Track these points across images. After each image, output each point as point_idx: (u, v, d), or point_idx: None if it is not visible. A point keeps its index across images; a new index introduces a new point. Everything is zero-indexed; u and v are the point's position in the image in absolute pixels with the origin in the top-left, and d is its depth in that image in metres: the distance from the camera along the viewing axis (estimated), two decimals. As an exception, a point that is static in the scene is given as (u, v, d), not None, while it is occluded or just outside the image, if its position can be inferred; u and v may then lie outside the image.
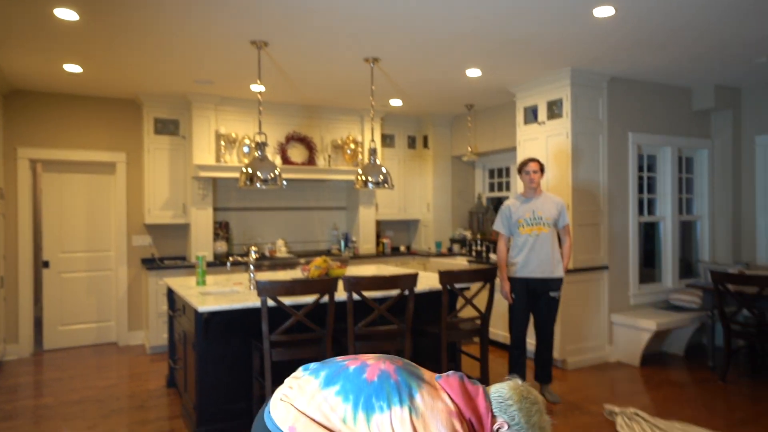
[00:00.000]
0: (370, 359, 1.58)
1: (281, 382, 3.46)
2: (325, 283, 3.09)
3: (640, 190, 5.18)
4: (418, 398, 1.46)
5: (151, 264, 5.39)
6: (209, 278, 4.28)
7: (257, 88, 4.63)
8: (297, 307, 3.16)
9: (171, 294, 4.25)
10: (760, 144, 5.29)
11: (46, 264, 5.41)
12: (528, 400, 1.56)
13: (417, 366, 1.63)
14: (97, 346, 5.56)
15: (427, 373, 1.60)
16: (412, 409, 1.43)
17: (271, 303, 3.23)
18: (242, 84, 5.09)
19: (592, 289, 4.83)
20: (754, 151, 5.34)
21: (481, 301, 3.68)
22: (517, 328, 3.88)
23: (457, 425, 1.42)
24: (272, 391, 3.01)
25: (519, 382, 1.61)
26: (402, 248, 6.98)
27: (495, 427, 1.52)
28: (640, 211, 5.18)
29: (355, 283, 3.12)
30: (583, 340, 4.77)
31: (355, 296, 3.31)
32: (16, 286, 5.22)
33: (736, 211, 5.48)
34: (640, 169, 5.17)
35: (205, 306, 3.11)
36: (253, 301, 3.21)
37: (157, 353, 5.26)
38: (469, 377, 1.61)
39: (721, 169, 5.49)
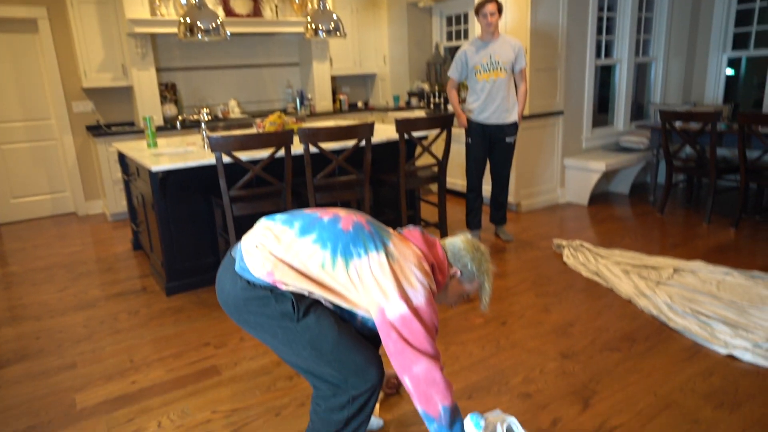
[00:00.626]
0: (341, 212, 1.63)
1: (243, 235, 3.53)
2: (280, 136, 3.03)
3: (599, 31, 5.07)
4: (390, 245, 1.55)
5: (98, 131, 5.14)
6: (161, 141, 4.13)
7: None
8: (254, 163, 3.13)
9: (123, 159, 4.12)
10: (721, -23, 5.13)
11: (-18, 136, 5.09)
12: (478, 251, 1.73)
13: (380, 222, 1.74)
14: (55, 217, 5.49)
15: (390, 228, 1.71)
16: (388, 254, 1.52)
17: (227, 159, 3.19)
18: None
19: (547, 134, 4.92)
20: (714, -15, 5.20)
21: (438, 150, 3.71)
22: (473, 172, 3.98)
23: (426, 267, 1.58)
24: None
25: (469, 236, 1.77)
26: (360, 104, 6.82)
27: (450, 273, 1.69)
28: (598, 54, 5.12)
29: (311, 135, 3.07)
30: (536, 184, 4.98)
31: (312, 149, 3.29)
32: (-45, 160, 4.95)
33: (690, 51, 5.49)
34: (600, 8, 5.00)
35: (159, 166, 3.04)
36: (209, 158, 3.15)
37: (118, 220, 5.25)
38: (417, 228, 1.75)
39: (680, 8, 5.38)
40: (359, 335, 1.62)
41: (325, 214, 1.63)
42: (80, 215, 5.55)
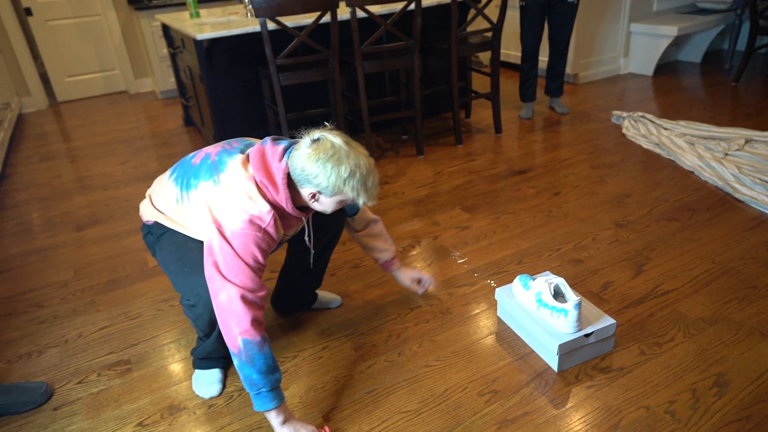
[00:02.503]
0: (209, 148, 1.53)
1: (293, 107, 3.51)
2: (325, -2, 2.84)
3: None
4: (224, 171, 1.40)
5: (139, 4, 5.00)
6: (202, 11, 4.00)
7: None
8: (300, 29, 2.98)
9: (167, 31, 4.03)
10: None
11: (28, 11, 5.05)
12: (332, 157, 1.31)
13: (252, 140, 1.53)
14: (108, 96, 5.58)
15: (242, 148, 1.48)
16: (216, 180, 1.40)
17: (271, 26, 3.05)
18: None
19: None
20: None
21: (493, 14, 3.42)
22: (529, 37, 3.69)
23: (249, 188, 1.35)
24: (285, 117, 3.06)
25: (318, 139, 1.35)
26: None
27: (308, 195, 1.38)
28: None
29: (357, -3, 2.87)
30: (596, 54, 4.60)
31: (360, 13, 3.09)
32: (6, 36, 4.98)
33: None
34: None
35: (204, 34, 2.95)
36: (253, 25, 3.03)
37: (168, 98, 5.29)
38: (277, 140, 1.46)
39: None
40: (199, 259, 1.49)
41: (200, 154, 1.53)
42: (131, 93, 5.62)
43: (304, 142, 1.36)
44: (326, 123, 1.48)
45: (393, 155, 3.42)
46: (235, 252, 1.33)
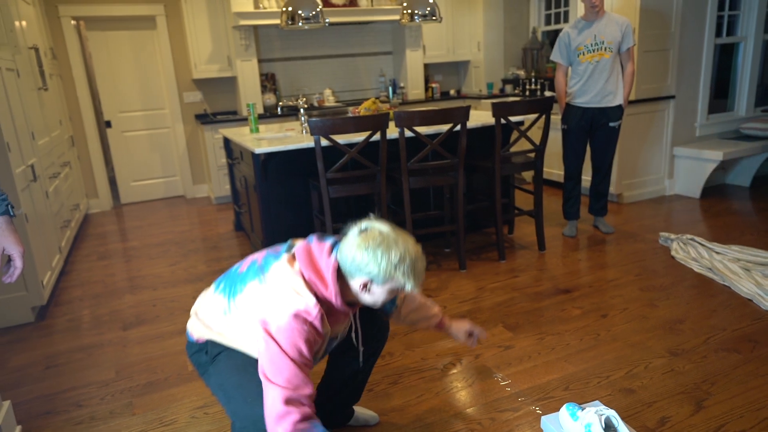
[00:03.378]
0: (257, 254, 1.53)
1: (340, 217, 3.64)
2: (376, 119, 3.07)
3: (720, 7, 4.64)
4: (269, 270, 1.40)
5: (205, 119, 5.50)
6: (262, 127, 4.35)
7: None
8: (350, 147, 3.20)
9: (227, 144, 4.38)
10: None
11: (108, 124, 5.63)
12: (380, 246, 1.32)
13: (297, 241, 1.49)
14: (167, 200, 5.96)
15: (287, 249, 1.47)
16: (261, 279, 1.39)
17: (324, 142, 3.28)
18: None
19: (656, 120, 4.59)
20: None
21: (535, 136, 3.59)
22: (571, 158, 3.80)
23: (296, 283, 1.34)
24: (332, 227, 3.18)
25: (366, 229, 1.37)
26: (452, 92, 6.75)
27: (359, 286, 1.37)
28: (718, 32, 4.68)
29: (406, 118, 3.08)
30: (640, 175, 4.67)
31: (408, 133, 3.30)
32: (86, 145, 5.52)
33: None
34: (723, -19, 4.57)
35: (261, 148, 3.20)
36: (307, 141, 3.27)
37: (222, 203, 5.60)
38: (322, 236, 1.47)
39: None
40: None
41: (245, 262, 1.54)
42: (188, 198, 5.99)
43: (352, 233, 1.37)
44: (371, 213, 1.49)
45: (435, 268, 3.45)
46: (281, 348, 1.29)
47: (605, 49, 3.55)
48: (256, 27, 5.63)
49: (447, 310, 2.85)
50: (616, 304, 2.80)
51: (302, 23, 3.71)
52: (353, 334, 1.57)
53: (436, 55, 6.49)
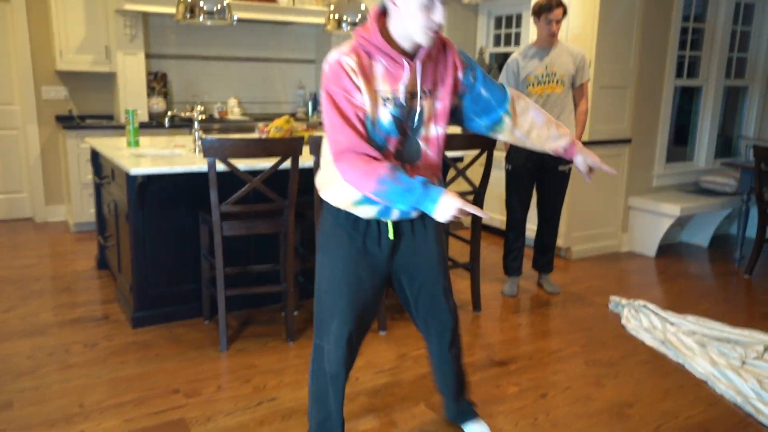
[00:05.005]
0: None
1: (235, 261, 3.54)
2: (287, 144, 3.06)
3: (682, 46, 5.08)
4: None
5: (69, 122, 5.25)
6: (144, 140, 4.20)
7: None
8: (254, 174, 3.15)
9: (96, 157, 4.19)
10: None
11: (-66, 119, 5.24)
12: None
13: None
14: (8, 222, 5.58)
15: None
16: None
17: (221, 167, 3.21)
18: None
19: (610, 166, 4.89)
20: (827, 1, 5.21)
21: (476, 175, 3.71)
22: (515, 204, 3.96)
23: (351, 45, 1.86)
24: (223, 271, 3.09)
25: None
26: (383, 114, 6.89)
27: (394, 14, 1.81)
28: (679, 73, 5.13)
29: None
30: (592, 227, 4.93)
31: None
32: None
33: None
34: (685, 18, 5.03)
35: (139, 168, 3.08)
36: (200, 164, 3.19)
37: (83, 231, 5.31)
38: None
39: (784, 24, 5.39)
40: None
41: None
42: (37, 221, 5.64)
43: None
44: None
45: (349, 328, 3.42)
46: (331, 100, 1.81)
47: (557, 81, 3.77)
48: (146, 14, 5.50)
49: (360, 382, 2.82)
50: (559, 381, 2.89)
51: (204, 17, 3.67)
52: (419, 98, 1.91)
53: (367, 69, 6.62)
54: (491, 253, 4.91)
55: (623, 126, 4.88)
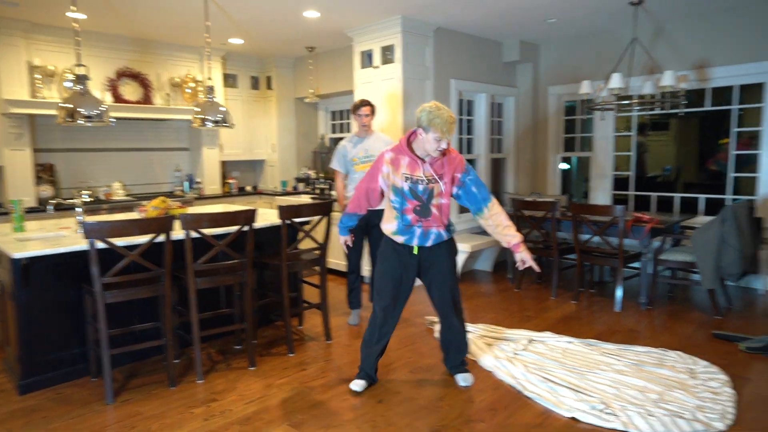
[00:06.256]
0: None
1: (118, 322, 3.23)
2: (159, 222, 2.88)
3: (460, 131, 5.59)
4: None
5: (-43, 211, 4.53)
6: (33, 224, 3.73)
7: (74, 14, 3.97)
8: (132, 248, 2.92)
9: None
10: (552, 93, 5.99)
11: None
12: (430, 108, 2.55)
13: None
14: None
15: None
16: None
17: (102, 245, 2.95)
18: (56, 9, 4.33)
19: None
20: (547, 99, 6.04)
21: (320, 234, 3.75)
22: (352, 253, 4.05)
23: (392, 150, 2.75)
24: (107, 333, 2.80)
25: (434, 103, 2.62)
26: (248, 188, 6.76)
27: (418, 132, 2.61)
28: (460, 150, 5.60)
29: (192, 221, 2.96)
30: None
31: (194, 234, 3.16)
32: None
33: (533, 150, 6.22)
34: (461, 112, 5.56)
35: (23, 252, 2.73)
36: (82, 244, 2.90)
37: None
38: None
39: (524, 114, 6.14)
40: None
41: None
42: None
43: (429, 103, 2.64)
44: None
45: (224, 368, 3.24)
46: (362, 183, 2.85)
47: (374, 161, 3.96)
48: (32, 115, 4.97)
49: (232, 412, 2.67)
50: (391, 388, 2.95)
51: (84, 121, 3.39)
52: (426, 177, 2.69)
53: (234, 154, 6.50)
54: (340, 292, 4.94)
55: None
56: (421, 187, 2.66)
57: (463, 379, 2.97)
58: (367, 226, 4.03)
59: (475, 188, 2.74)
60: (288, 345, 3.45)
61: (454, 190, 2.75)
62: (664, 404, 2.63)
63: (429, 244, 2.75)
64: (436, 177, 2.65)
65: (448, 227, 2.84)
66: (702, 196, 5.17)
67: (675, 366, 3.08)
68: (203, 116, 3.99)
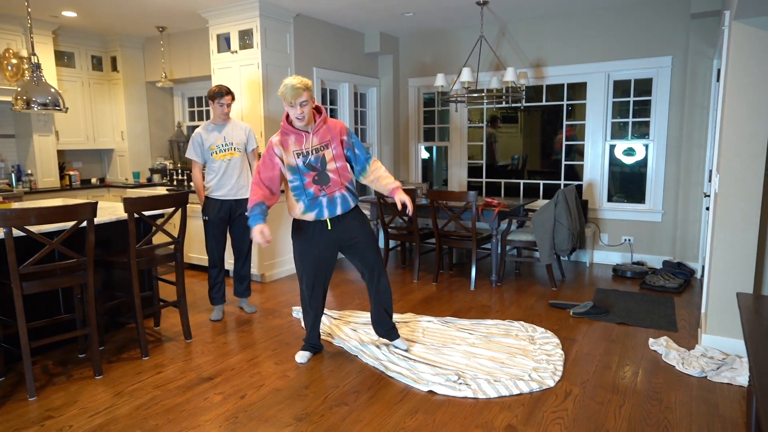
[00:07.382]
0: None
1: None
2: (-29, 220, 2.49)
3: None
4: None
5: None
6: None
7: None
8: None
9: None
10: (411, 85, 6.27)
11: None
12: (282, 84, 2.78)
13: None
14: None
15: None
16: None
17: None
18: None
19: (284, 208, 5.13)
20: (408, 90, 6.31)
21: (175, 227, 3.53)
22: (213, 246, 3.88)
23: (281, 133, 2.92)
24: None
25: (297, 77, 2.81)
26: (94, 180, 6.11)
27: (287, 116, 2.87)
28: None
29: (14, 217, 2.60)
30: (279, 255, 5.09)
31: (18, 232, 2.79)
32: None
33: (396, 139, 6.48)
34: (324, 101, 5.58)
35: None
36: None
37: None
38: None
39: (387, 104, 6.36)
40: None
41: None
42: None
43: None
44: None
45: (64, 381, 2.91)
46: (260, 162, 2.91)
47: (234, 149, 3.83)
48: None
49: (72, 428, 2.42)
50: (255, 382, 2.90)
51: None
52: (306, 150, 2.86)
53: (74, 142, 5.82)
54: (202, 288, 4.70)
55: (292, 179, 5.15)
56: (312, 158, 2.84)
57: (401, 343, 3.23)
58: (230, 217, 3.89)
59: (357, 149, 2.97)
60: (141, 347, 3.21)
61: (347, 152, 2.93)
62: (508, 369, 2.95)
63: (339, 212, 2.90)
64: (324, 144, 2.84)
65: (352, 191, 2.97)
66: (542, 182, 5.83)
67: (518, 335, 3.46)
68: (27, 97, 3.51)
